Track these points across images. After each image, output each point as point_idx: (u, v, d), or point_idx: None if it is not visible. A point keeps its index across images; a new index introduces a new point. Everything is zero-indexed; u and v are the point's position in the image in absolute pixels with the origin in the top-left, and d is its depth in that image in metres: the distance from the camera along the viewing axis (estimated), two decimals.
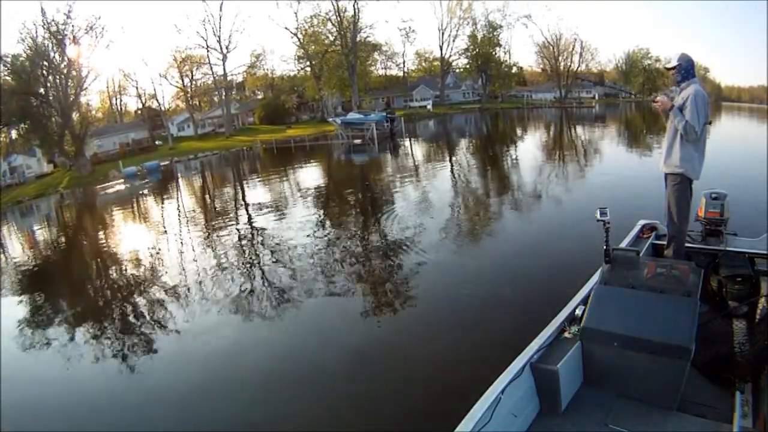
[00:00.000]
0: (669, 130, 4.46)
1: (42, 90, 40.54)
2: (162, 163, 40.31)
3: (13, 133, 48.81)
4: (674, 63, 4.42)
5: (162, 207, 22.06)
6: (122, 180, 34.27)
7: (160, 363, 6.48)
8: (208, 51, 57.55)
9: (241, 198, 20.96)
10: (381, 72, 76.35)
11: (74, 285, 11.10)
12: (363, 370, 5.65)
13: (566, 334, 3.55)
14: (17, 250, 17.47)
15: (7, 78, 39.72)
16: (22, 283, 12.10)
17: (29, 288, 11.52)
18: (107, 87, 63.71)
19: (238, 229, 13.95)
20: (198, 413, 5.17)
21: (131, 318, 8.33)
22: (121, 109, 70.16)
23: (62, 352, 7.28)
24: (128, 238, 15.32)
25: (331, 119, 45.95)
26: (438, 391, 4.91)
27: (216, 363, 6.29)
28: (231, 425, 4.84)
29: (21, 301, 10.42)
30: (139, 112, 66.41)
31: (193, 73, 60.96)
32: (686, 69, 4.37)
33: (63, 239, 17.90)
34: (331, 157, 33.74)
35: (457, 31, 72.58)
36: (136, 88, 74.89)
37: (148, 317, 8.21)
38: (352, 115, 42.80)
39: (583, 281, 4.18)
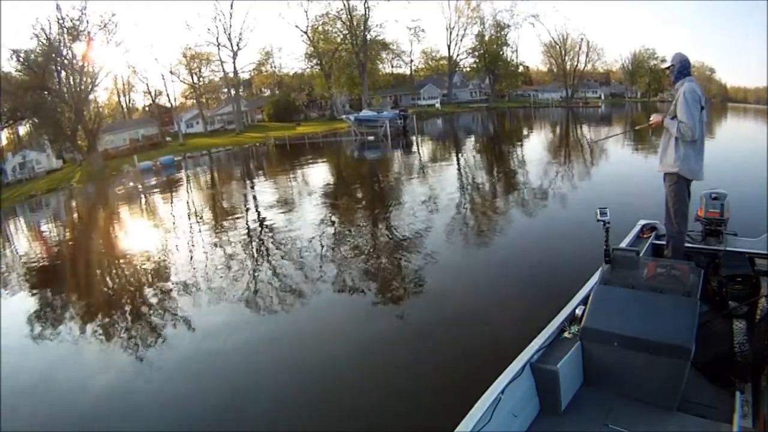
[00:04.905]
0: (665, 131, 4.50)
1: (55, 85, 40.93)
2: (175, 159, 40.40)
3: (21, 130, 49.43)
4: (668, 63, 4.48)
5: (186, 202, 22.03)
6: (138, 174, 34.32)
7: (171, 355, 6.52)
8: (219, 48, 57.88)
9: (268, 192, 20.97)
10: (389, 70, 76.55)
11: (98, 280, 11.11)
12: (370, 363, 5.69)
13: (566, 334, 3.55)
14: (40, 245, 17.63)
15: (19, 72, 40.15)
16: (37, 277, 12.17)
17: (41, 283, 11.59)
18: (115, 83, 64.29)
19: (272, 222, 13.98)
20: (204, 409, 5.20)
21: (142, 312, 8.39)
22: (129, 105, 70.71)
23: (70, 343, 7.38)
24: (157, 233, 15.34)
25: (344, 116, 46.14)
26: (441, 388, 4.94)
27: (226, 355, 6.32)
28: (236, 421, 4.86)
29: (30, 295, 10.56)
30: (148, 108, 67.03)
31: (202, 71, 61.40)
32: (679, 69, 4.41)
33: (92, 235, 17.74)
34: (346, 153, 33.84)
35: (464, 30, 72.74)
36: (146, 84, 75.71)
37: (161, 311, 8.26)
38: (366, 113, 43.01)
39: (583, 281, 4.20)
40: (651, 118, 4.64)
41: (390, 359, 5.72)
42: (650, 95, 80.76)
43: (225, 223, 14.83)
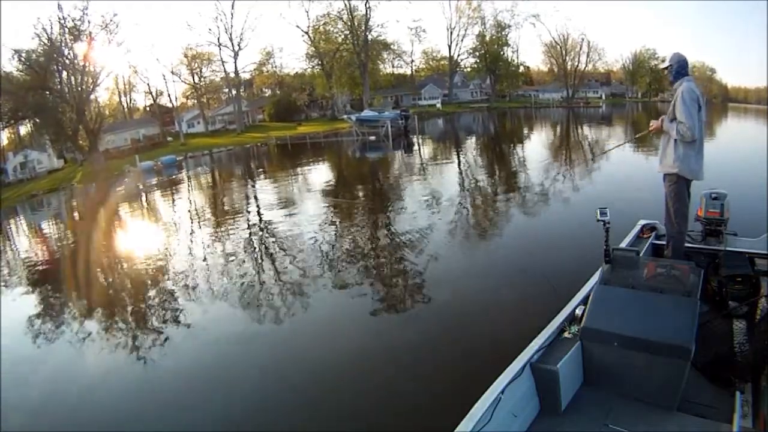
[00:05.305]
0: (665, 132, 4.50)
1: (57, 85, 41.03)
2: (177, 158, 40.43)
3: (22, 129, 49.53)
4: (666, 63, 4.48)
5: (188, 201, 22.01)
6: (139, 174, 34.29)
7: (170, 355, 6.54)
8: (220, 48, 57.98)
9: (270, 191, 20.97)
10: (390, 71, 76.69)
11: (99, 279, 11.03)
12: (370, 363, 5.69)
13: (566, 334, 3.55)
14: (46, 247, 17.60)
15: (20, 72, 40.27)
16: (38, 276, 12.17)
17: (41, 281, 11.59)
18: (116, 83, 64.42)
19: (274, 222, 13.98)
20: (204, 409, 5.19)
21: (142, 311, 8.41)
22: (130, 105, 70.84)
23: (70, 343, 7.38)
24: (160, 233, 15.33)
25: (346, 116, 46.36)
26: (440, 389, 4.94)
27: (226, 355, 6.33)
28: (235, 420, 4.86)
29: (30, 293, 10.57)
30: (149, 108, 67.17)
31: (203, 71, 61.52)
32: (677, 69, 4.41)
33: (93, 235, 17.51)
34: (348, 153, 33.92)
35: (465, 30, 72.90)
36: (147, 84, 75.88)
37: (161, 310, 8.29)
38: (367, 113, 43.12)
39: (583, 281, 4.20)
40: (651, 125, 4.65)
41: (390, 359, 5.72)
42: (651, 95, 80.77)
43: (227, 223, 14.82)
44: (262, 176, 27.54)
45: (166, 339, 7.03)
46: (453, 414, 2.80)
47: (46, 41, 40.43)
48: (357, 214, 14.11)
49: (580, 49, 77.77)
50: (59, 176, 40.27)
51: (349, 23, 61.72)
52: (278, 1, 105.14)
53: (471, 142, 35.40)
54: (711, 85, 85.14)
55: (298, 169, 27.54)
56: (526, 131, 41.67)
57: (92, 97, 45.44)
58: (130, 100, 71.28)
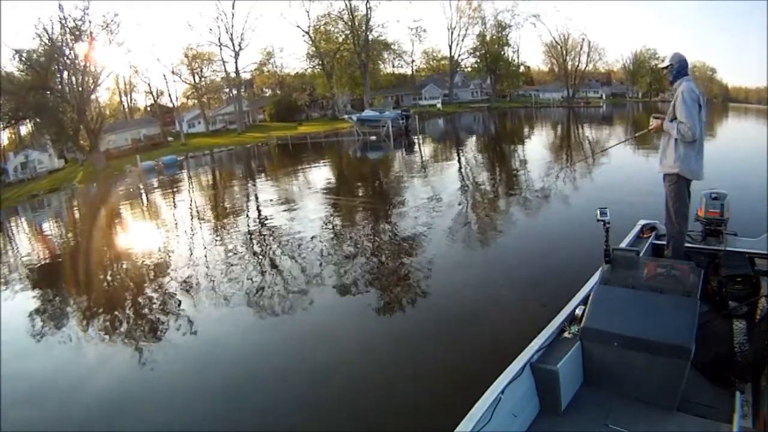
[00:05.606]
0: (665, 132, 4.50)
1: (58, 85, 41.09)
2: (178, 158, 40.43)
3: (23, 129, 49.61)
4: (666, 63, 4.47)
5: (190, 201, 21.96)
6: (140, 174, 34.25)
7: (170, 356, 6.50)
8: (220, 48, 58.03)
9: (272, 191, 20.97)
10: (390, 70, 76.81)
11: (100, 280, 11.02)
12: (370, 363, 5.69)
13: (566, 334, 3.55)
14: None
15: (21, 72, 40.31)
16: (38, 275, 12.16)
17: (42, 281, 11.59)
18: (117, 83, 64.50)
19: (276, 222, 13.96)
20: (204, 410, 5.20)
21: (144, 312, 8.39)
22: (131, 105, 70.92)
23: (72, 343, 7.36)
24: (162, 233, 15.28)
25: (347, 116, 46.50)
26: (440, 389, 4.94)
27: (226, 356, 6.32)
28: (235, 421, 4.86)
29: (31, 293, 10.57)
30: (150, 108, 67.26)
31: (203, 71, 61.61)
32: (677, 69, 4.41)
33: (94, 235, 17.33)
34: (349, 153, 33.96)
35: (466, 30, 73.03)
36: (148, 84, 75.95)
37: (162, 311, 8.28)
38: (368, 113, 43.20)
39: (583, 281, 4.19)
40: (651, 124, 4.64)
41: (390, 359, 5.72)
42: (651, 95, 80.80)
43: (229, 224, 14.83)
44: (263, 176, 27.60)
45: (165, 338, 7.03)
46: (453, 414, 2.79)
47: (46, 41, 40.46)
48: (357, 214, 14.11)
49: (581, 49, 78.10)
50: (60, 176, 40.27)
51: (350, 23, 61.83)
52: (279, 1, 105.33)
53: (471, 142, 35.42)
54: (711, 85, 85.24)
55: (299, 168, 27.60)
56: (526, 131, 41.65)
57: (93, 97, 45.52)
58: (131, 100, 71.51)
